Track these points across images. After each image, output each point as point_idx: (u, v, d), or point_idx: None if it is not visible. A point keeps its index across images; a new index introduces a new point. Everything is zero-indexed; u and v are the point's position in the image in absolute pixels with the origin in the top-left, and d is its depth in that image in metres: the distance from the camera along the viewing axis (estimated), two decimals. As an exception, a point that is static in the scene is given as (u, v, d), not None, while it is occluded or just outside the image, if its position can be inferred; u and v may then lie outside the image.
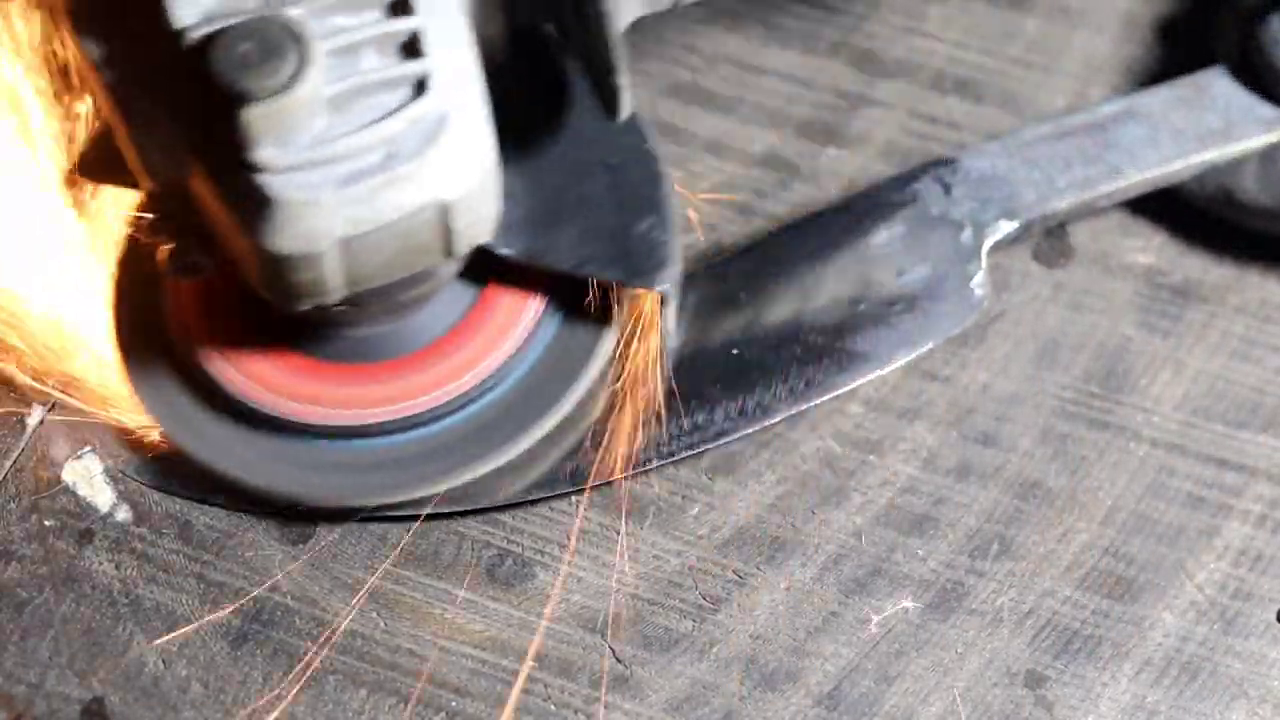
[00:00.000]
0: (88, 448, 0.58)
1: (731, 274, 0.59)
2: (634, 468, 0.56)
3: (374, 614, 0.55)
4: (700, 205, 0.61)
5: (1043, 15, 0.66)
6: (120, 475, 0.57)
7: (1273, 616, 0.56)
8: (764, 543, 0.57)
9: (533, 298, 0.56)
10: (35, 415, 0.58)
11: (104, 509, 0.57)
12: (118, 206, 0.57)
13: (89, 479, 0.57)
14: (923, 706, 0.54)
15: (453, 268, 0.52)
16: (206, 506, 0.57)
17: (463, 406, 0.55)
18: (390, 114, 0.44)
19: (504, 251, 0.52)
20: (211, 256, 0.50)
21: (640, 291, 0.54)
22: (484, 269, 0.54)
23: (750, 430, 0.56)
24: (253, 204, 0.44)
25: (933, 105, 0.65)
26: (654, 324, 0.55)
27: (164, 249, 0.50)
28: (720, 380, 0.57)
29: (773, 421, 0.57)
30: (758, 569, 0.56)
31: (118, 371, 0.56)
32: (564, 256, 0.53)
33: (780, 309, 0.58)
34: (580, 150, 0.54)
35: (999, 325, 0.60)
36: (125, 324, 0.57)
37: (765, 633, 0.55)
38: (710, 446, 0.56)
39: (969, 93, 0.65)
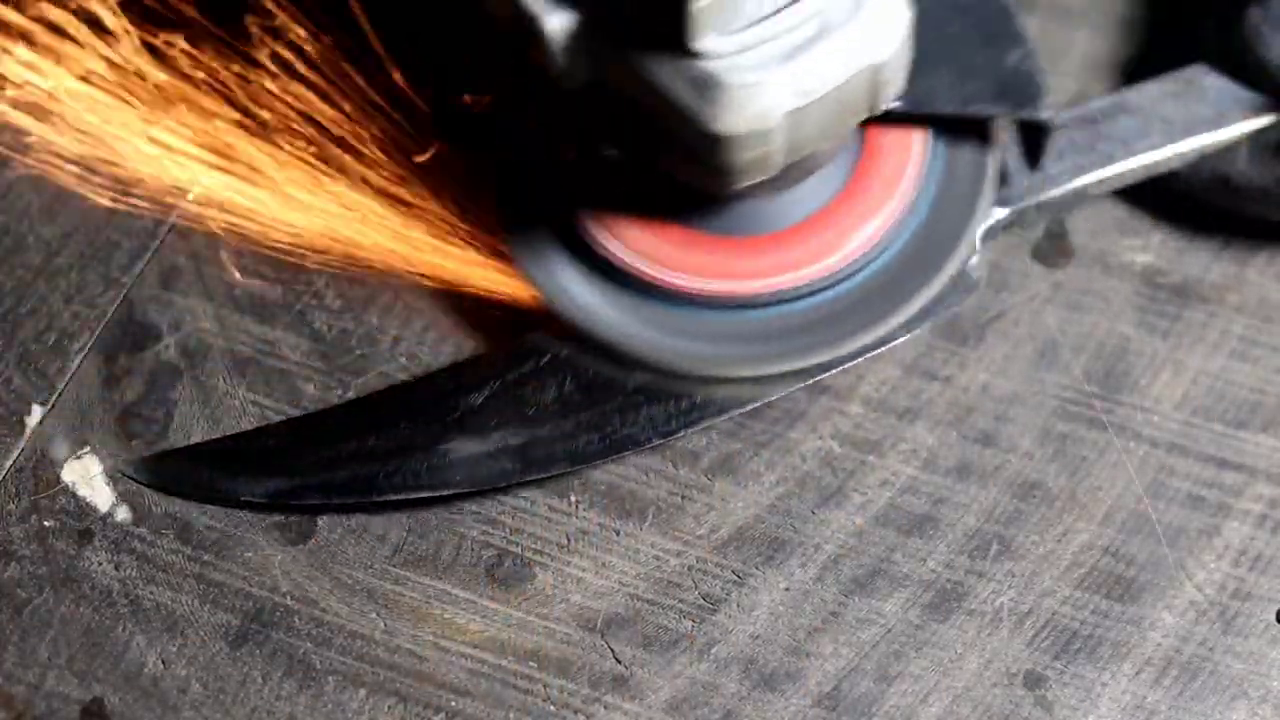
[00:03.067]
0: (87, 448, 0.58)
1: None
2: (630, 447, 0.56)
3: (374, 614, 0.55)
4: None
5: (1043, 15, 0.66)
6: (120, 475, 0.57)
7: (1273, 616, 0.56)
8: (764, 543, 0.57)
9: (908, 163, 0.57)
10: (35, 415, 0.58)
11: (104, 509, 0.57)
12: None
13: (89, 479, 0.57)
14: (922, 706, 0.54)
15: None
16: (207, 505, 0.57)
17: (850, 276, 0.56)
18: None
19: (891, 104, 0.53)
20: (621, 147, 0.53)
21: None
22: (857, 135, 0.56)
23: (749, 407, 0.56)
24: (703, 91, 0.46)
25: (933, 105, 0.65)
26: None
27: (568, 145, 0.54)
28: None
29: (772, 399, 0.56)
30: (758, 569, 0.56)
31: (505, 249, 0.58)
32: (947, 99, 0.55)
33: None
34: None
35: (998, 325, 0.60)
36: (511, 206, 0.58)
37: (765, 633, 0.55)
38: (710, 423, 0.56)
39: (969, 93, 0.65)
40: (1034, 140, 0.58)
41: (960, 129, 0.58)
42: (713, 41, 0.46)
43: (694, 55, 0.46)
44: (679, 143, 0.49)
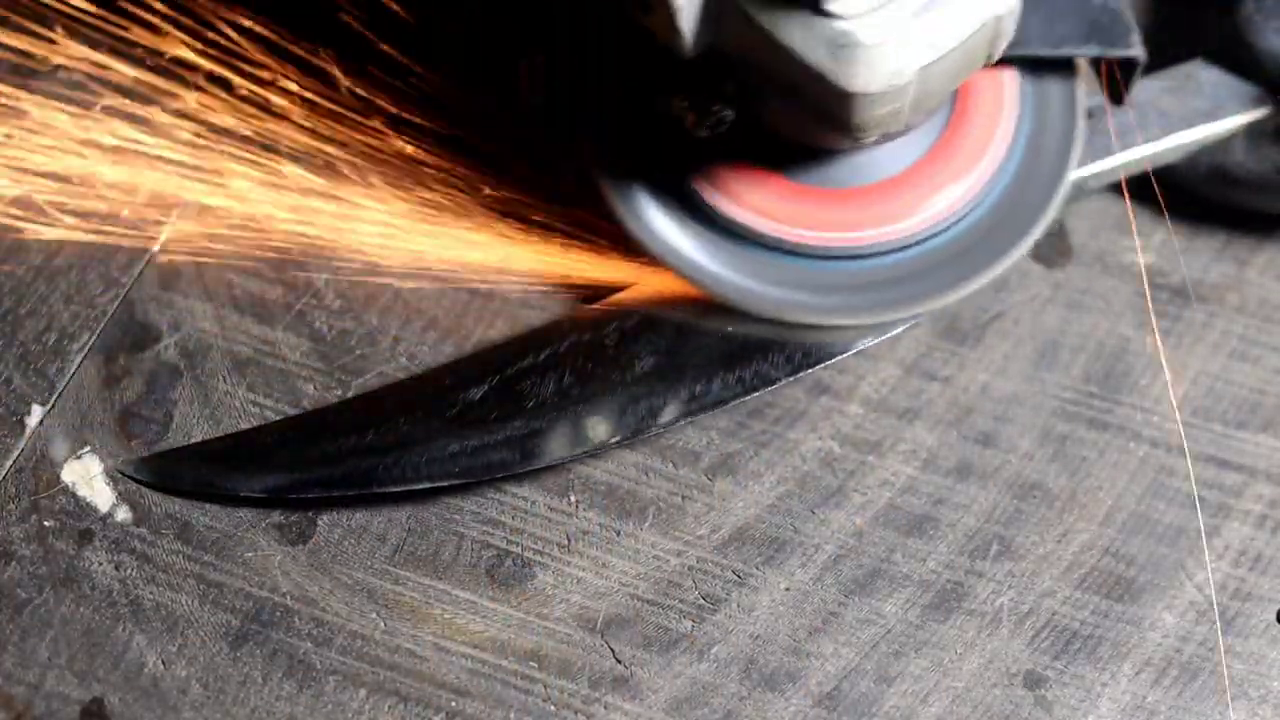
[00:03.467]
0: (88, 448, 0.58)
1: None
2: (628, 436, 0.56)
3: (374, 614, 0.55)
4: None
5: (1043, 15, 0.66)
6: (120, 475, 0.57)
7: (1273, 616, 0.56)
8: (764, 543, 0.57)
9: (999, 119, 0.58)
10: (35, 415, 0.58)
11: (104, 509, 0.57)
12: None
13: (89, 479, 0.57)
14: (923, 706, 0.54)
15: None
16: (207, 506, 0.57)
17: (944, 230, 0.57)
18: None
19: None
20: (738, 110, 0.54)
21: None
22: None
23: (749, 397, 0.56)
24: (837, 51, 0.47)
25: (933, 105, 0.65)
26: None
27: (687, 112, 0.54)
28: (719, 357, 0.57)
29: (772, 389, 0.56)
30: (758, 569, 0.56)
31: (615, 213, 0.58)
32: (1040, 41, 0.56)
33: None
34: None
35: (999, 325, 0.60)
36: (617, 172, 0.58)
37: (765, 633, 0.55)
38: (708, 411, 0.56)
39: (969, 92, 0.65)
40: (1125, 78, 0.58)
41: (1047, 69, 0.58)
42: (846, 1, 0.46)
43: (827, 15, 0.46)
44: (808, 103, 0.49)
